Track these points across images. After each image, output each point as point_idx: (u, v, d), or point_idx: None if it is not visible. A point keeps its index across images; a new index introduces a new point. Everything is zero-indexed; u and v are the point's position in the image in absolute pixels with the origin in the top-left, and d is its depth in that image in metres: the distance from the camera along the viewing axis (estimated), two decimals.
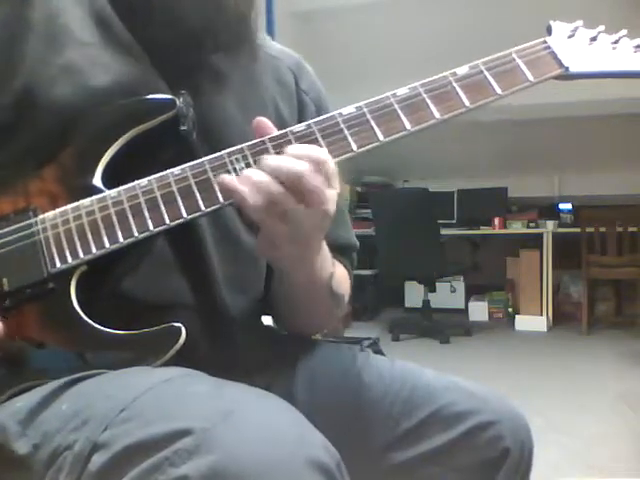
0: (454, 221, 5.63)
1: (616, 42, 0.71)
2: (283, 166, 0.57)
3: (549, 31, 0.71)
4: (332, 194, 0.59)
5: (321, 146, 0.61)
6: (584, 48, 0.70)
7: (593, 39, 0.71)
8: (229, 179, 0.58)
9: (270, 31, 3.41)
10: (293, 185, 0.57)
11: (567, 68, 0.68)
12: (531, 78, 0.67)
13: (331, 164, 0.59)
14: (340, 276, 0.76)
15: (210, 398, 0.50)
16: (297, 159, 0.58)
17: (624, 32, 0.72)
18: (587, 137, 5.03)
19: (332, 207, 0.59)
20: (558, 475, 2.07)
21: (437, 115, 0.63)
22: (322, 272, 0.69)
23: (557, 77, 0.69)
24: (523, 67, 0.67)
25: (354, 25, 4.17)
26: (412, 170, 5.86)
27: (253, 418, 0.47)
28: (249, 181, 0.57)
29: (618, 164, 5.26)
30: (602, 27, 0.72)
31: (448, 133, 4.87)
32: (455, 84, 0.65)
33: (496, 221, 5.25)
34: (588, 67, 0.69)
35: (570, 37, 0.71)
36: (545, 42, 0.69)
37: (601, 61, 0.70)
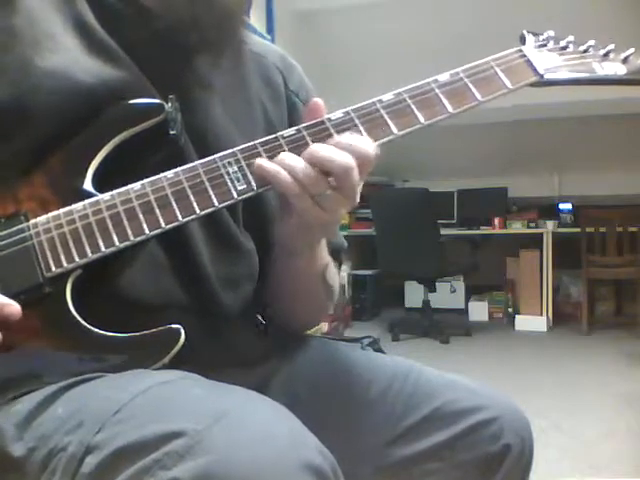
0: (454, 221, 5.63)
1: (585, 51, 0.76)
2: (329, 157, 0.59)
3: (522, 40, 0.75)
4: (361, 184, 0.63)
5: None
6: (556, 56, 0.74)
7: (564, 48, 0.75)
8: (272, 168, 0.60)
9: (270, 31, 3.41)
10: (336, 175, 0.59)
11: (542, 75, 0.72)
12: (509, 85, 0.70)
13: (373, 160, 0.62)
14: (332, 268, 0.77)
15: (204, 400, 0.50)
16: (345, 152, 0.60)
17: (592, 42, 0.76)
18: (587, 137, 5.03)
19: (359, 195, 0.62)
20: (558, 475, 2.07)
21: (422, 120, 0.66)
22: (322, 254, 0.73)
23: (532, 84, 0.73)
24: (501, 74, 0.70)
25: (354, 25, 4.17)
26: (412, 170, 5.86)
27: (246, 421, 0.47)
28: (288, 167, 0.60)
29: (618, 164, 5.26)
30: (571, 37, 0.76)
31: (448, 133, 4.87)
32: (437, 90, 0.67)
33: (496, 221, 5.25)
34: (561, 75, 0.73)
35: (542, 46, 0.75)
36: (521, 51, 0.73)
37: (572, 69, 0.74)
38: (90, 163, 0.62)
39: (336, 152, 0.60)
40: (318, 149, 0.60)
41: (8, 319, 0.56)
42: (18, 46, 0.63)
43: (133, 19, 0.67)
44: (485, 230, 5.30)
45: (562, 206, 5.37)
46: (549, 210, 5.32)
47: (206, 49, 0.69)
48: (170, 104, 0.63)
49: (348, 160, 0.59)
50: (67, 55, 0.63)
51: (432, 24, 3.98)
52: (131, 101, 0.63)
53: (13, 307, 0.57)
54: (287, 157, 0.60)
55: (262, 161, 0.61)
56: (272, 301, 0.80)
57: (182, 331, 0.59)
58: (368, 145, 0.61)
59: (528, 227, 5.19)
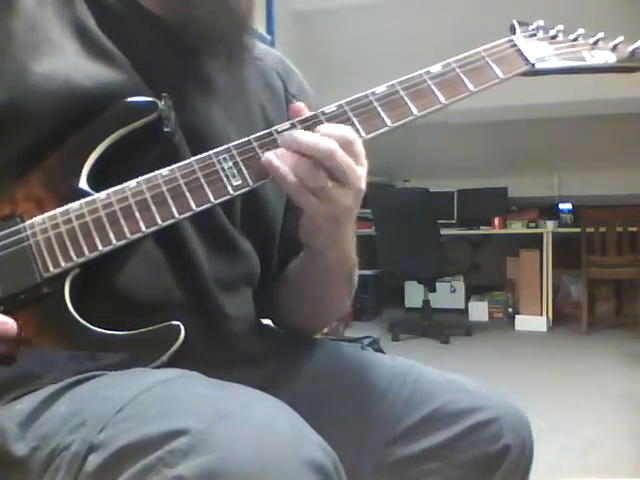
0: (454, 221, 5.63)
1: (575, 40, 0.76)
2: (313, 142, 0.59)
3: (513, 30, 0.75)
4: (363, 172, 0.62)
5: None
6: (546, 45, 0.74)
7: (553, 37, 0.75)
8: (272, 158, 0.60)
9: (270, 31, 3.42)
10: (324, 162, 0.59)
11: (533, 65, 0.72)
12: (500, 75, 0.70)
13: (358, 143, 0.62)
14: (356, 268, 0.78)
15: (207, 399, 0.50)
16: (327, 137, 0.60)
17: (582, 31, 0.76)
18: (587, 137, 5.03)
19: (364, 185, 0.62)
20: (558, 475, 2.07)
21: (415, 111, 0.66)
22: (351, 254, 0.73)
23: (524, 73, 0.73)
24: (492, 64, 0.70)
25: (354, 25, 4.17)
26: (412, 170, 5.86)
27: (249, 419, 0.47)
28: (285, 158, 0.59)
29: (618, 164, 5.26)
30: (561, 26, 0.76)
31: (449, 133, 4.87)
32: (430, 82, 0.68)
33: (496, 221, 5.25)
34: (551, 63, 0.73)
35: (532, 35, 0.75)
36: (511, 40, 0.73)
37: (562, 58, 0.74)
38: (85, 162, 0.62)
39: (317, 137, 0.60)
40: (300, 136, 0.60)
41: (4, 336, 0.57)
42: (15, 50, 0.63)
43: (133, 21, 0.67)
44: (485, 230, 5.31)
45: (562, 206, 5.37)
46: (549, 210, 5.33)
47: (206, 50, 0.69)
48: (163, 102, 0.63)
49: (330, 144, 0.59)
50: (65, 59, 0.63)
51: (432, 24, 3.98)
52: (124, 100, 0.63)
53: (9, 325, 0.57)
54: (283, 153, 0.60)
55: (271, 156, 0.60)
56: (287, 303, 0.80)
57: (182, 328, 0.59)
58: (343, 129, 0.62)
59: (528, 227, 5.19)
